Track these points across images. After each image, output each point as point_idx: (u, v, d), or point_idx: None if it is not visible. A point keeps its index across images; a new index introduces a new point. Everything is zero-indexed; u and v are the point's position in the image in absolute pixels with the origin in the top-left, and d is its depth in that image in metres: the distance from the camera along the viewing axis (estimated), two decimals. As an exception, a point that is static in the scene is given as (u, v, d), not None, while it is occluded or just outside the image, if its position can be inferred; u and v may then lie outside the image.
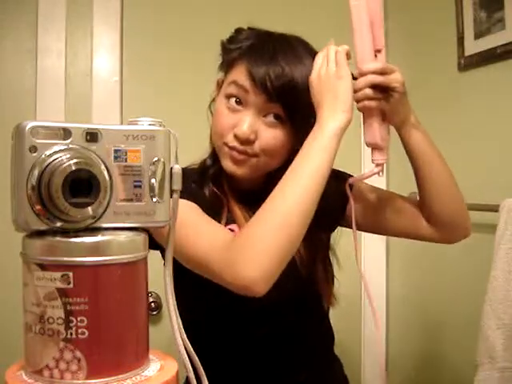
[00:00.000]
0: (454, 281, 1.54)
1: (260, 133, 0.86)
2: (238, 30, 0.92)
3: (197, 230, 0.80)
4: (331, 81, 0.83)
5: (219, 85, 0.94)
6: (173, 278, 0.92)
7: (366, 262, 1.80)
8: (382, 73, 0.85)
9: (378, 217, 1.02)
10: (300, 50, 0.87)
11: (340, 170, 1.05)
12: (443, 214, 0.95)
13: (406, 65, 1.80)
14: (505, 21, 1.35)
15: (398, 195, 1.04)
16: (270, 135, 0.86)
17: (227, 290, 0.77)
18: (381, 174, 0.92)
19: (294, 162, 0.80)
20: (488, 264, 1.22)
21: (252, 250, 0.75)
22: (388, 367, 1.82)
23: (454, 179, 0.96)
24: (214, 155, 0.93)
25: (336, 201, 1.00)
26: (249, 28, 0.92)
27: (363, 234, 1.80)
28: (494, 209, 1.27)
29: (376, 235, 1.80)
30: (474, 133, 1.48)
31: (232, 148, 0.86)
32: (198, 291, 0.85)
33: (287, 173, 0.80)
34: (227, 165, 0.88)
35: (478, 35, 1.45)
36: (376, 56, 0.88)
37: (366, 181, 1.01)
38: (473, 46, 1.47)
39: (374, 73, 0.84)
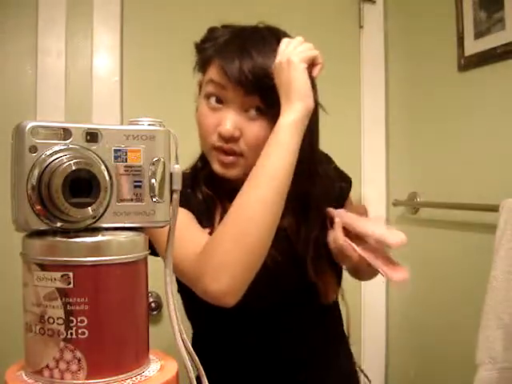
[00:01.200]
0: (454, 281, 1.54)
1: (244, 129, 0.85)
2: (212, 30, 0.92)
3: (178, 238, 0.79)
4: (284, 70, 0.81)
5: (200, 86, 0.93)
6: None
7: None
8: None
9: None
10: (272, 39, 0.86)
11: (344, 171, 1.05)
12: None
13: (406, 65, 1.81)
14: (505, 21, 1.35)
15: None
16: (255, 129, 0.85)
17: None
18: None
19: (256, 163, 0.79)
20: (488, 264, 1.22)
21: (214, 262, 0.74)
22: (388, 367, 1.82)
23: None
24: (204, 158, 0.93)
25: (337, 201, 0.99)
26: (222, 26, 0.92)
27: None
28: (494, 209, 1.27)
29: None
30: (473, 133, 1.48)
31: (219, 149, 0.86)
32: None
33: (249, 176, 0.79)
34: (217, 168, 0.88)
35: (478, 35, 1.45)
36: None
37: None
38: (473, 46, 1.47)
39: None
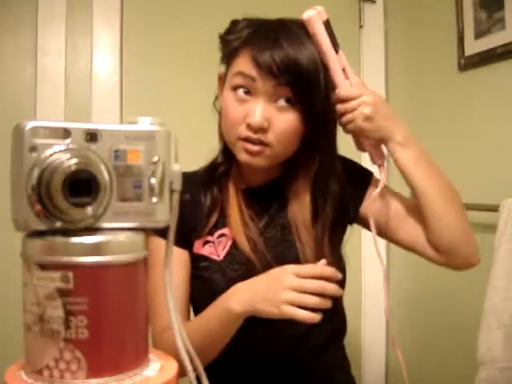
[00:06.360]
0: (454, 280, 1.54)
1: (273, 119, 0.85)
2: (234, 22, 0.92)
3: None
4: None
5: (222, 79, 0.93)
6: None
7: (366, 263, 1.80)
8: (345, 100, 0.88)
9: (394, 227, 1.00)
10: (299, 31, 0.86)
11: (352, 160, 1.03)
12: (441, 239, 0.89)
13: (406, 65, 1.81)
14: (505, 21, 1.35)
15: (412, 208, 0.98)
16: (284, 120, 0.85)
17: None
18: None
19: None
20: (488, 264, 1.22)
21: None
22: (388, 369, 1.82)
23: (456, 201, 0.92)
24: (226, 151, 0.93)
25: (351, 198, 0.98)
26: (244, 19, 0.92)
27: (363, 233, 1.81)
28: (494, 209, 1.27)
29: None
30: (474, 133, 1.48)
31: (245, 139, 0.85)
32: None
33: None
34: (243, 157, 0.87)
35: (478, 35, 1.45)
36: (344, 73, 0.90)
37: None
38: (473, 46, 1.47)
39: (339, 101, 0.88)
